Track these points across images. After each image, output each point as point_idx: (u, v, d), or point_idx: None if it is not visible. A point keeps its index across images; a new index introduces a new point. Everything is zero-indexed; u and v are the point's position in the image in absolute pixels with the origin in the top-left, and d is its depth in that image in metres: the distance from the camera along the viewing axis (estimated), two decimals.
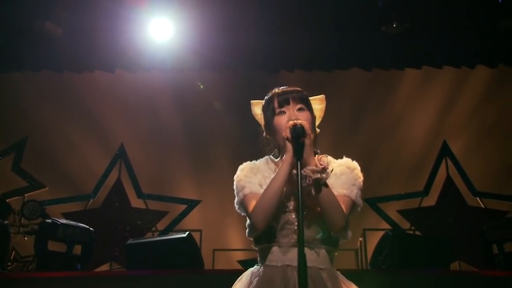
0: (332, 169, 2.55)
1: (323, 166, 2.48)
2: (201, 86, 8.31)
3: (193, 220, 7.72)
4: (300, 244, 2.32)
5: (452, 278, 5.46)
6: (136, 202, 7.68)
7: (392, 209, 7.64)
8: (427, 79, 8.25)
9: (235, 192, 2.75)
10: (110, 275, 5.93)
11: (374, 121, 8.21)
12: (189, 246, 5.63)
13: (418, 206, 7.61)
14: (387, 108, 8.31)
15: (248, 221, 2.69)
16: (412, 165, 7.93)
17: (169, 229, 7.47)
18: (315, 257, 2.56)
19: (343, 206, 2.57)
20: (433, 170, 7.81)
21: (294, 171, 2.48)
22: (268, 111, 2.73)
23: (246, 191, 2.66)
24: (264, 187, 2.62)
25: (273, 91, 2.78)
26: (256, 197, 2.61)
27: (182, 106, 8.20)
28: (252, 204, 2.59)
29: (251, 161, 2.88)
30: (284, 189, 2.57)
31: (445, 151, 7.86)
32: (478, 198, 7.62)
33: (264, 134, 2.84)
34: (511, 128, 7.91)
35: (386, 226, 7.40)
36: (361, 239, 7.12)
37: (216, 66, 8.10)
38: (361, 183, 2.70)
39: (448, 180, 7.73)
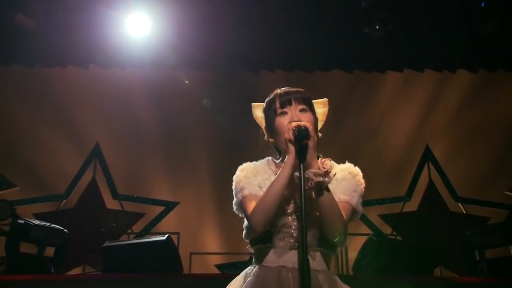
0: (335, 173, 2.55)
1: (326, 170, 2.48)
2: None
3: (169, 222, 7.62)
4: (304, 248, 2.36)
5: (435, 284, 5.51)
6: (111, 203, 7.55)
7: (373, 214, 7.65)
8: (408, 82, 8.31)
9: (233, 192, 2.74)
10: (85, 278, 5.81)
11: (355, 124, 8.23)
12: (168, 250, 5.57)
13: (400, 211, 7.65)
14: (368, 110, 8.34)
15: (245, 223, 2.69)
16: (393, 169, 7.97)
17: (145, 232, 7.38)
18: (311, 260, 2.54)
19: (343, 213, 2.57)
20: (415, 175, 7.86)
21: (296, 174, 2.49)
22: (270, 111, 2.73)
23: (246, 192, 2.65)
24: (264, 189, 2.62)
25: (275, 91, 2.77)
26: (255, 198, 2.60)
27: (159, 104, 8.12)
28: (251, 206, 2.58)
29: (250, 161, 2.89)
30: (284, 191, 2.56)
31: (427, 156, 7.92)
32: (460, 204, 7.67)
33: (265, 137, 2.83)
34: (492, 133, 8.00)
35: (366, 230, 7.42)
36: None
37: (195, 64, 8.05)
38: (363, 190, 2.71)
39: (430, 185, 7.79)
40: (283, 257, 2.59)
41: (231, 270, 7.04)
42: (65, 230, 5.82)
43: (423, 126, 8.23)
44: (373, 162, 8.06)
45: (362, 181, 2.71)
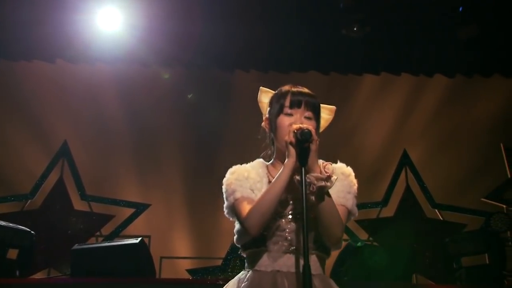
0: (337, 178, 2.54)
1: (328, 174, 2.47)
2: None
3: (139, 225, 7.52)
4: (305, 252, 2.36)
5: None
6: (79, 205, 7.41)
7: None
8: (385, 86, 8.36)
9: (224, 196, 2.75)
10: (53, 282, 5.67)
11: (330, 127, 8.21)
12: (141, 253, 5.48)
13: (377, 217, 7.68)
14: (344, 113, 8.33)
15: (237, 227, 2.70)
16: (370, 174, 8.00)
17: (115, 235, 7.26)
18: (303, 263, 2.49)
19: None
20: (392, 180, 7.89)
21: (297, 177, 2.50)
22: (277, 105, 2.72)
23: (237, 195, 2.65)
24: (256, 191, 2.63)
25: (288, 88, 2.76)
26: (248, 201, 2.60)
27: (129, 102, 8.03)
28: (244, 209, 2.58)
29: (241, 164, 2.87)
30: None
31: (404, 161, 7.97)
32: (436, 210, 7.73)
33: (263, 124, 2.85)
34: (468, 139, 8.11)
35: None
36: None
37: (168, 61, 7.98)
38: (356, 190, 2.74)
39: (407, 190, 7.84)
40: (278, 261, 2.58)
41: (202, 275, 6.99)
42: (32, 232, 5.66)
43: (399, 130, 8.30)
44: (349, 165, 8.04)
45: (355, 181, 2.76)
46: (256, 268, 2.62)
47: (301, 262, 2.52)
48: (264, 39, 7.78)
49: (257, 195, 2.62)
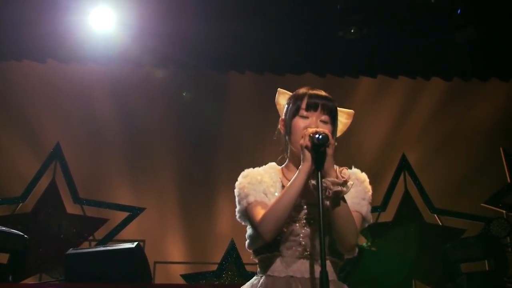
0: (353, 183, 2.52)
1: (344, 179, 2.45)
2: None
3: (132, 229, 7.44)
4: (322, 258, 2.33)
5: None
6: (72, 208, 7.31)
7: None
8: (382, 89, 8.36)
9: (236, 200, 2.72)
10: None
11: None
12: (138, 258, 5.42)
13: (375, 222, 7.64)
14: None
15: (249, 232, 2.67)
16: (368, 178, 7.98)
17: (108, 239, 7.17)
18: (319, 269, 2.46)
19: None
20: (391, 184, 7.85)
21: (312, 182, 2.46)
22: (293, 107, 2.70)
23: (251, 199, 2.62)
24: (269, 195, 2.61)
25: (305, 90, 2.75)
26: (261, 205, 2.58)
27: (122, 103, 7.96)
28: (257, 213, 2.55)
29: (253, 168, 2.82)
30: None
31: (403, 165, 7.93)
32: (435, 215, 7.71)
33: (279, 126, 2.82)
34: (466, 143, 8.12)
35: None
36: None
37: (161, 61, 7.91)
38: (371, 196, 2.73)
39: (406, 195, 7.79)
40: (291, 266, 2.56)
41: (197, 280, 6.93)
42: (26, 236, 5.59)
43: (396, 133, 8.30)
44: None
45: (369, 187, 2.76)
46: (269, 273, 2.58)
47: (316, 267, 2.53)
48: (260, 40, 7.75)
49: (271, 199, 2.60)
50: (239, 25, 7.51)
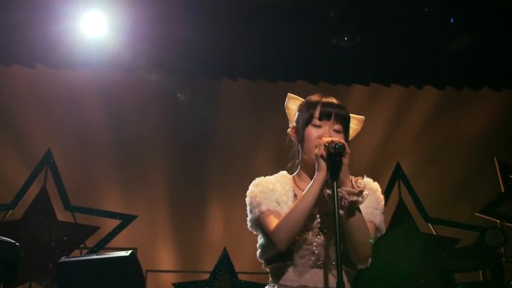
0: (368, 193, 2.52)
1: (360, 189, 2.45)
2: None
3: (123, 237, 7.38)
4: (339, 268, 2.33)
5: None
6: (63, 215, 7.24)
7: None
8: (374, 97, 8.37)
9: (248, 208, 2.72)
10: None
11: None
12: (132, 266, 5.37)
13: None
14: None
15: (261, 241, 2.67)
16: None
17: (99, 247, 7.11)
18: (334, 280, 2.51)
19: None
20: (385, 193, 7.84)
21: (327, 191, 2.46)
22: (306, 115, 2.70)
23: (263, 208, 2.61)
24: (282, 204, 2.61)
25: (318, 98, 2.76)
26: (274, 214, 2.57)
27: (114, 110, 7.91)
28: (271, 222, 2.54)
29: (264, 176, 2.82)
30: None
31: (398, 174, 7.95)
32: (430, 224, 7.72)
33: (289, 130, 2.86)
34: (459, 152, 8.14)
35: None
36: None
37: (153, 67, 7.85)
38: (383, 206, 2.72)
39: (400, 204, 7.80)
40: (304, 276, 2.56)
41: None
42: (17, 244, 5.51)
43: (390, 142, 8.32)
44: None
45: (382, 197, 2.76)
46: (281, 283, 2.58)
47: (329, 277, 2.54)
48: (253, 47, 7.75)
49: (283, 208, 2.59)
50: (232, 31, 7.50)
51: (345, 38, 7.58)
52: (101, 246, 7.14)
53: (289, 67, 8.05)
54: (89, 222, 7.27)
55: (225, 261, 7.05)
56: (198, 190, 7.90)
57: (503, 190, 7.71)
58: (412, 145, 8.31)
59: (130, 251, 5.37)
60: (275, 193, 2.65)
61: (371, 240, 2.53)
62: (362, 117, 2.87)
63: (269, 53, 7.82)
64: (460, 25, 7.60)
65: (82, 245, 7.20)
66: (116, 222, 7.29)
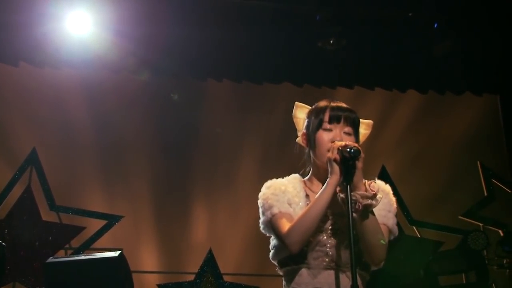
0: (382, 196, 2.55)
1: (374, 192, 2.49)
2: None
3: (107, 237, 7.31)
4: (353, 272, 2.37)
5: None
6: (47, 215, 7.13)
7: None
8: (358, 100, 8.42)
9: (260, 211, 2.74)
10: None
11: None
12: (121, 267, 5.34)
13: None
14: None
15: (274, 243, 2.73)
16: None
17: (85, 247, 7.04)
18: (348, 281, 2.55)
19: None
20: None
21: (341, 195, 2.50)
22: (315, 120, 2.75)
23: (275, 210, 2.64)
24: (294, 206, 2.64)
25: (327, 102, 2.83)
26: (286, 216, 2.60)
27: (98, 109, 7.84)
28: (283, 225, 2.57)
29: (276, 178, 2.84)
30: None
31: (383, 177, 7.97)
32: (414, 227, 7.78)
33: (298, 139, 2.95)
34: (442, 156, 8.22)
35: None
36: None
37: (138, 67, 7.83)
38: (395, 209, 2.78)
39: None
40: (318, 277, 2.58)
41: None
42: (3, 244, 5.44)
43: (374, 144, 8.34)
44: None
45: (394, 199, 2.79)
46: (295, 285, 2.61)
47: (342, 279, 2.57)
48: (238, 48, 7.77)
49: (295, 209, 2.62)
50: (218, 32, 7.50)
51: (331, 41, 7.65)
52: (87, 246, 7.07)
53: (274, 69, 8.10)
54: (74, 222, 7.19)
55: (210, 262, 7.04)
56: (183, 191, 7.87)
57: (486, 194, 7.80)
58: (395, 148, 8.36)
59: (119, 252, 5.33)
60: (287, 194, 2.68)
61: (382, 242, 2.55)
62: (370, 121, 2.91)
63: (254, 55, 7.85)
64: (444, 30, 7.73)
65: (67, 246, 7.11)
66: (101, 223, 7.22)
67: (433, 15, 7.68)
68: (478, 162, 7.94)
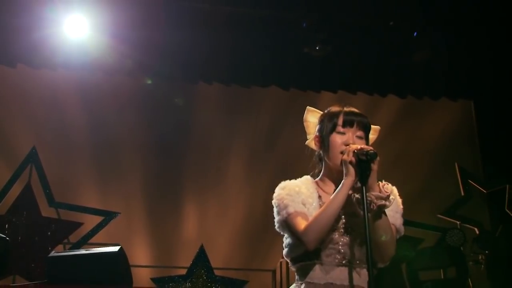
0: (394, 198, 2.63)
1: (387, 193, 2.56)
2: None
3: (102, 233, 7.31)
4: (370, 269, 2.43)
5: None
6: (47, 211, 7.13)
7: None
8: (341, 103, 8.50)
9: (275, 210, 2.74)
10: None
11: (289, 140, 8.35)
12: (121, 262, 5.35)
13: None
14: (302, 128, 8.44)
15: (288, 240, 2.72)
16: None
17: (82, 242, 7.05)
18: (358, 277, 2.62)
19: None
20: None
21: (356, 196, 2.54)
22: (329, 124, 2.77)
23: (290, 210, 2.65)
24: (308, 206, 2.67)
25: (340, 108, 2.84)
26: (301, 216, 2.63)
27: (93, 110, 7.87)
28: (299, 223, 2.60)
29: (290, 179, 2.88)
30: None
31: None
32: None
33: (309, 141, 2.94)
34: (421, 157, 8.35)
35: None
36: (282, 260, 7.12)
37: (131, 70, 7.88)
38: (402, 209, 2.84)
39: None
40: (330, 273, 2.61)
41: (168, 283, 6.92)
42: (7, 238, 5.45)
43: None
44: None
45: (400, 200, 2.83)
46: (308, 280, 2.63)
47: (354, 275, 2.61)
48: (228, 53, 7.86)
49: (309, 209, 2.66)
50: (209, 37, 7.59)
51: (317, 48, 7.75)
52: (84, 241, 7.08)
53: (262, 73, 8.18)
54: (72, 218, 7.21)
55: (202, 257, 7.07)
56: (174, 189, 7.93)
57: (462, 193, 7.92)
58: (376, 150, 8.44)
59: (118, 247, 5.34)
60: (301, 195, 2.71)
61: (384, 238, 2.60)
62: (377, 127, 2.95)
63: (243, 59, 7.94)
64: (423, 38, 7.88)
65: (65, 240, 7.12)
66: (98, 219, 7.23)
67: (413, 24, 7.82)
68: (456, 164, 8.06)
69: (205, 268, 7.03)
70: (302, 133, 8.51)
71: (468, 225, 7.64)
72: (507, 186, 7.75)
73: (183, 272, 7.13)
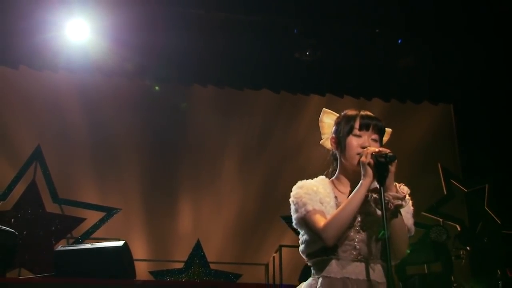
0: (410, 198, 2.70)
1: (404, 194, 2.60)
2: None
3: (102, 228, 7.34)
4: (388, 266, 2.47)
5: None
6: (51, 207, 7.14)
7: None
8: (329, 106, 8.56)
9: (293, 208, 2.75)
10: (39, 282, 5.48)
11: (280, 141, 8.46)
12: (125, 256, 5.41)
13: None
14: (292, 129, 8.58)
15: (305, 237, 2.75)
16: None
17: (85, 237, 7.07)
18: (372, 272, 2.64)
19: None
20: None
21: (374, 196, 2.58)
22: (346, 126, 2.79)
23: (309, 207, 2.68)
24: (325, 204, 2.69)
25: (357, 112, 2.85)
26: (319, 213, 2.65)
27: (93, 111, 7.91)
28: (318, 220, 2.63)
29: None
30: None
31: None
32: None
33: (323, 141, 2.95)
34: (405, 158, 8.36)
35: None
36: (275, 254, 7.21)
37: (130, 73, 7.92)
38: (413, 210, 2.87)
39: None
40: (346, 268, 2.64)
41: (166, 276, 6.99)
42: (16, 232, 5.49)
43: None
44: (296, 179, 8.20)
45: (411, 202, 2.85)
46: (325, 274, 2.65)
47: (369, 270, 2.64)
48: (222, 57, 7.93)
49: (326, 208, 2.68)
50: (204, 42, 7.66)
51: (307, 53, 7.86)
52: (87, 236, 7.11)
53: (254, 76, 8.27)
54: (75, 214, 7.24)
55: (198, 252, 7.14)
56: (171, 186, 8.00)
57: (445, 192, 8.04)
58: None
59: (123, 242, 5.40)
60: (318, 194, 2.72)
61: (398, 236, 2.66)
62: (389, 129, 3.00)
63: (237, 63, 8.02)
64: (406, 45, 8.02)
65: (69, 235, 7.14)
66: (100, 214, 7.25)
67: (397, 32, 7.96)
68: (439, 164, 8.18)
69: (201, 262, 7.10)
70: (293, 134, 8.59)
71: (450, 222, 7.77)
72: (487, 185, 7.89)
73: (180, 265, 7.19)
